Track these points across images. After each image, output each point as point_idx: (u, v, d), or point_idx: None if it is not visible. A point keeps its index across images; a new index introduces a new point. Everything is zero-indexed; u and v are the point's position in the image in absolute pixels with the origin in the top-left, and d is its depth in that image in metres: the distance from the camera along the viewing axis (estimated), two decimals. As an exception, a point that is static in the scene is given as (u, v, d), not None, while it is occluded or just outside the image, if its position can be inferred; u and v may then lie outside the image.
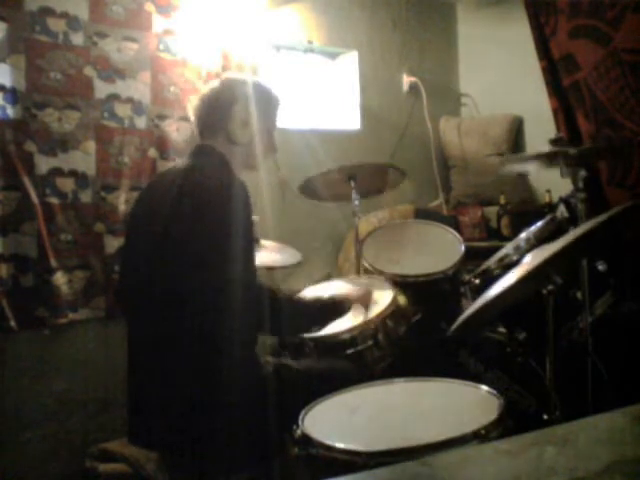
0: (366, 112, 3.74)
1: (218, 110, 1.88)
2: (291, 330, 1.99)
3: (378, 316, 2.04)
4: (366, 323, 2.02)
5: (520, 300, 1.91)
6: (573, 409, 1.81)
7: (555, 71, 3.21)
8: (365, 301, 2.06)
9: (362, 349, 2.01)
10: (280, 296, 1.83)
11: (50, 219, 2.55)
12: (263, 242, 2.63)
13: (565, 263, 1.78)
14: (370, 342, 2.02)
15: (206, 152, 1.86)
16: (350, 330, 2.02)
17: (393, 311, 2.09)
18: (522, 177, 3.81)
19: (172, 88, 2.90)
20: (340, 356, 2.01)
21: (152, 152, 2.83)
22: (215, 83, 1.96)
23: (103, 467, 2.41)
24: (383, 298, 2.13)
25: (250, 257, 1.71)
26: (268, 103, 1.98)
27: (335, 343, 2.03)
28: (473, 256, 2.66)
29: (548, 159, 2.24)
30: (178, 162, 2.12)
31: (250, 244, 1.73)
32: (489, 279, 2.19)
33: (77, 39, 2.63)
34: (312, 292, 2.36)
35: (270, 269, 2.68)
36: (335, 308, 1.95)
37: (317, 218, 3.37)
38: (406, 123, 3.93)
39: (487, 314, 1.88)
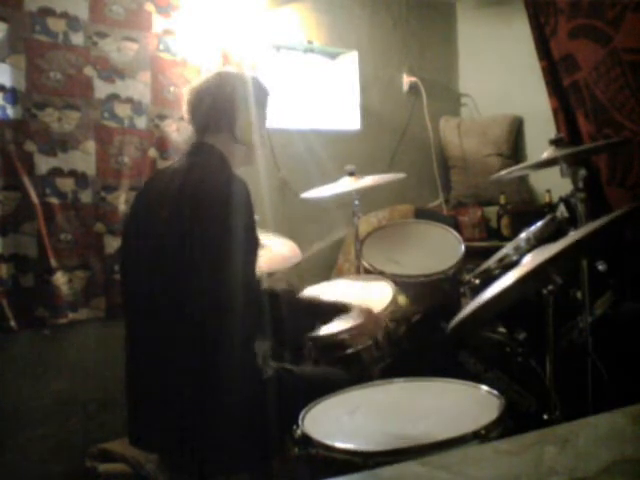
0: (366, 112, 3.74)
1: (222, 108, 1.85)
2: (293, 330, 1.99)
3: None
4: (366, 323, 2.01)
5: (520, 300, 1.91)
6: (573, 409, 1.81)
7: (555, 71, 3.20)
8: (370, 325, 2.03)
9: (361, 349, 2.01)
10: (282, 299, 1.82)
11: (50, 219, 2.55)
12: (263, 242, 2.63)
13: (565, 264, 1.78)
14: (369, 342, 2.02)
15: (205, 150, 1.84)
16: (349, 330, 2.01)
17: (393, 311, 2.09)
18: (522, 177, 3.81)
19: (172, 88, 2.90)
20: (339, 356, 2.00)
21: (152, 152, 2.83)
22: (214, 78, 1.90)
23: (103, 467, 2.41)
24: (383, 298, 2.13)
25: (251, 257, 1.70)
26: (264, 99, 1.97)
27: (334, 343, 2.03)
28: (473, 256, 2.66)
29: (548, 161, 2.24)
30: (176, 160, 2.10)
31: (251, 244, 1.71)
32: (489, 279, 2.19)
33: (77, 39, 2.63)
34: (313, 294, 2.36)
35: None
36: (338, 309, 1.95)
37: (317, 218, 3.37)
38: (406, 123, 3.93)
39: (485, 314, 1.88)
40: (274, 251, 2.61)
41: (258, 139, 1.93)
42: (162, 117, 2.86)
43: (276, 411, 1.65)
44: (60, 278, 2.56)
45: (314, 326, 2.02)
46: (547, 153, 2.27)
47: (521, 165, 2.63)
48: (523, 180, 3.82)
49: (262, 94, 1.96)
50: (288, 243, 2.65)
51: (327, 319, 2.00)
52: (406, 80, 3.94)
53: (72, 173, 2.62)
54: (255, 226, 1.72)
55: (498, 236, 3.45)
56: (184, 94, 1.93)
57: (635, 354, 2.22)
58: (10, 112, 2.46)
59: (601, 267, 2.35)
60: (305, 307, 1.96)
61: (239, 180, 1.73)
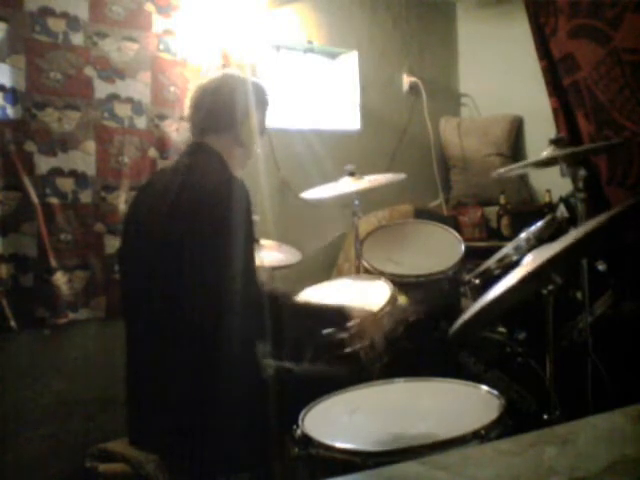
0: (366, 112, 3.74)
1: (224, 109, 1.86)
2: (292, 333, 1.96)
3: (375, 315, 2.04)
4: (365, 325, 2.01)
5: (520, 300, 1.90)
6: (573, 409, 1.81)
7: (555, 71, 3.20)
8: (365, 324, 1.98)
9: (360, 348, 2.00)
10: (281, 302, 1.80)
11: (50, 219, 2.54)
12: (263, 242, 2.63)
13: (565, 263, 1.77)
14: (367, 342, 2.02)
15: (204, 150, 1.85)
16: (349, 329, 2.01)
17: (392, 311, 2.09)
18: (522, 177, 3.81)
19: (172, 88, 2.90)
20: (338, 355, 2.00)
21: (152, 152, 2.83)
22: (216, 79, 1.92)
23: (103, 467, 2.41)
24: (382, 298, 2.13)
25: (250, 256, 1.70)
26: (265, 104, 1.98)
27: (333, 342, 2.02)
28: (473, 256, 2.66)
29: (548, 160, 2.24)
30: (174, 160, 2.10)
31: (250, 243, 1.71)
32: (489, 279, 2.19)
33: (77, 39, 2.62)
34: (313, 293, 2.36)
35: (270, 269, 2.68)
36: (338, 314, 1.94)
37: (317, 218, 3.37)
38: (406, 123, 3.92)
39: (487, 316, 1.88)
40: (274, 251, 2.61)
41: (258, 142, 1.94)
42: (162, 117, 2.86)
43: (276, 411, 1.65)
44: (60, 278, 2.56)
45: (314, 330, 2.00)
46: (547, 152, 2.27)
47: (522, 163, 2.61)
48: (523, 180, 3.82)
49: (263, 100, 1.97)
50: (287, 245, 2.66)
51: (327, 325, 1.98)
52: (406, 80, 3.93)
53: (72, 173, 2.62)
54: (253, 226, 1.72)
55: (498, 236, 3.45)
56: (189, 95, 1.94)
57: (635, 354, 2.22)
58: (10, 112, 2.46)
59: (601, 267, 2.35)
60: (304, 311, 1.94)
61: (237, 180, 1.73)
